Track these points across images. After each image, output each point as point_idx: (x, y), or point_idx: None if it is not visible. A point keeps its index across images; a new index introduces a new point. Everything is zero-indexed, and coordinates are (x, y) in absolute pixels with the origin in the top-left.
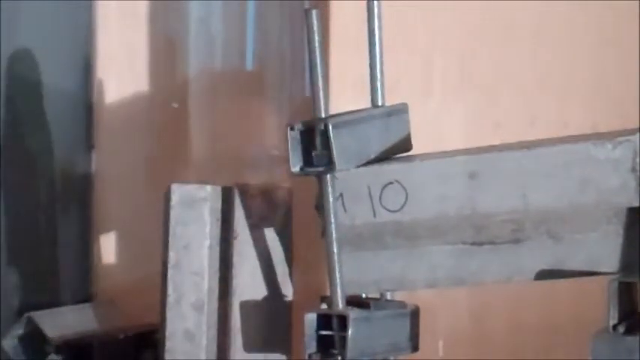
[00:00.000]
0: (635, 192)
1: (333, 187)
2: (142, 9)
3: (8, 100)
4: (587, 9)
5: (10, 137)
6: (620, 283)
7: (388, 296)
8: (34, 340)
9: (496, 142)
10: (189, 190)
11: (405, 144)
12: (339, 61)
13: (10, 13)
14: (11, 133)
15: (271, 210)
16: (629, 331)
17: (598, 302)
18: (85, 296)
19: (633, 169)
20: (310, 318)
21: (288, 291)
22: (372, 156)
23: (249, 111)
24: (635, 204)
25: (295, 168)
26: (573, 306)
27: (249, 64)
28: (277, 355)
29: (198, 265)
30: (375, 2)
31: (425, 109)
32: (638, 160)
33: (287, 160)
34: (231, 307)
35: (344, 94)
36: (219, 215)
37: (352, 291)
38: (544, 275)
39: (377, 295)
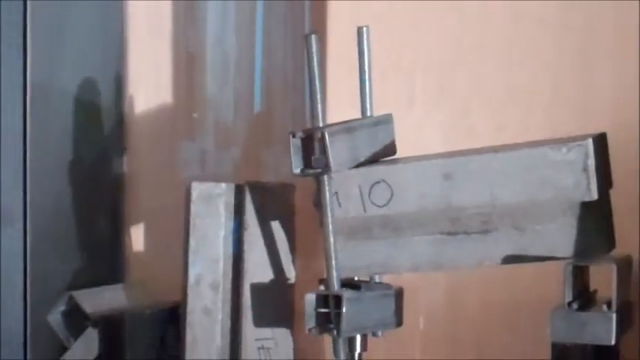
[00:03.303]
0: (586, 189)
1: (329, 186)
2: (167, 32)
3: (54, 113)
4: (549, 32)
5: (57, 144)
6: (574, 267)
7: (377, 279)
8: (75, 315)
9: (469, 147)
10: (207, 187)
11: (391, 149)
12: (334, 78)
13: (54, 39)
14: (57, 140)
15: (277, 205)
16: (582, 308)
17: (556, 283)
18: (118, 278)
19: (584, 169)
20: (310, 298)
21: (291, 275)
22: (362, 159)
23: (258, 119)
24: (587, 199)
25: (297, 170)
26: (535, 286)
27: (258, 79)
28: (282, 329)
29: (214, 251)
30: (365, 28)
31: (407, 118)
32: (588, 161)
33: (290, 163)
34: (242, 287)
35: (338, 106)
36: (232, 209)
37: (346, 275)
38: (510, 260)
39: (367, 278)
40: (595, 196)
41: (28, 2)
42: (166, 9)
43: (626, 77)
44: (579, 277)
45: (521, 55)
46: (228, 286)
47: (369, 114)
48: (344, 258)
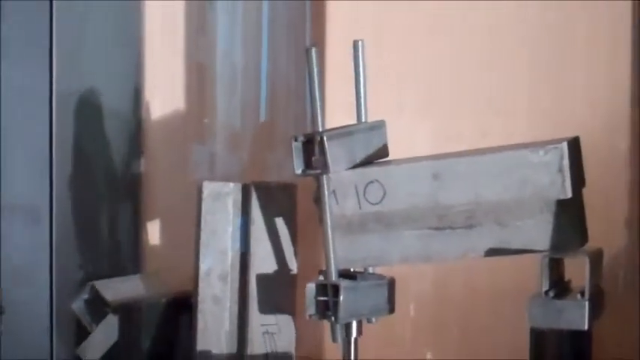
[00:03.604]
0: (562, 188)
1: (328, 185)
2: (180, 46)
3: (78, 120)
4: (524, 48)
5: (80, 147)
6: (551, 259)
7: (371, 270)
8: (97, 303)
9: (455, 150)
10: (217, 186)
11: (384, 152)
12: (332, 88)
13: (77, 52)
14: (80, 144)
15: (280, 203)
16: (557, 296)
17: (534, 273)
18: (136, 269)
19: (560, 170)
20: (310, 287)
21: (293, 266)
22: (358, 161)
23: (263, 125)
24: (562, 197)
25: (298, 170)
26: (515, 277)
27: (263, 88)
28: (285, 316)
29: (223, 245)
30: (360, 42)
31: (399, 124)
32: (563, 162)
33: (292, 164)
34: (249, 278)
35: (336, 113)
36: (239, 206)
37: (343, 266)
38: (492, 253)
39: (362, 269)
40: (569, 194)
41: (54, 19)
42: (179, 23)
43: (599, 80)
44: (555, 268)
45: (501, 68)
46: (236, 276)
47: (364, 120)
48: (341, 251)
